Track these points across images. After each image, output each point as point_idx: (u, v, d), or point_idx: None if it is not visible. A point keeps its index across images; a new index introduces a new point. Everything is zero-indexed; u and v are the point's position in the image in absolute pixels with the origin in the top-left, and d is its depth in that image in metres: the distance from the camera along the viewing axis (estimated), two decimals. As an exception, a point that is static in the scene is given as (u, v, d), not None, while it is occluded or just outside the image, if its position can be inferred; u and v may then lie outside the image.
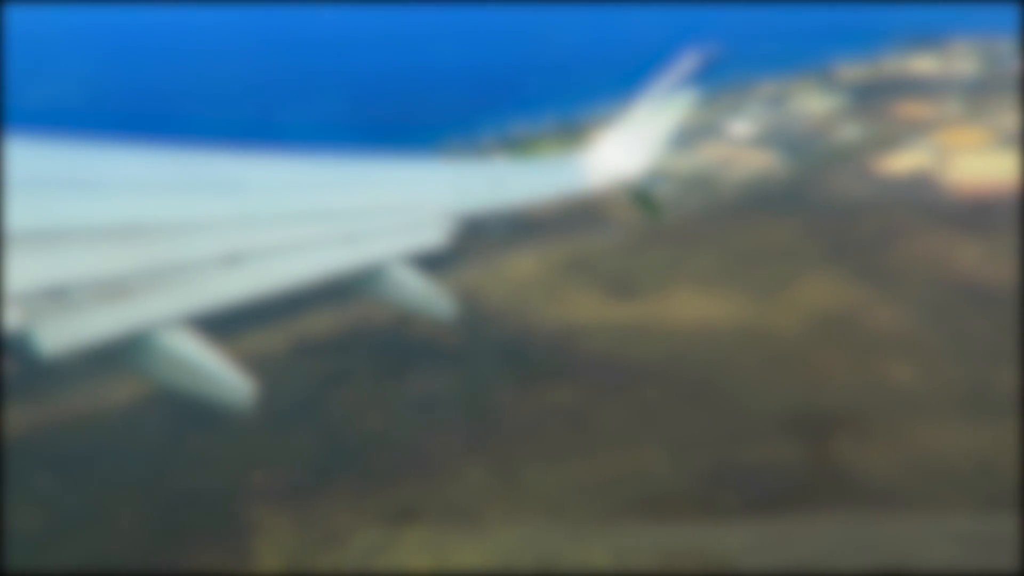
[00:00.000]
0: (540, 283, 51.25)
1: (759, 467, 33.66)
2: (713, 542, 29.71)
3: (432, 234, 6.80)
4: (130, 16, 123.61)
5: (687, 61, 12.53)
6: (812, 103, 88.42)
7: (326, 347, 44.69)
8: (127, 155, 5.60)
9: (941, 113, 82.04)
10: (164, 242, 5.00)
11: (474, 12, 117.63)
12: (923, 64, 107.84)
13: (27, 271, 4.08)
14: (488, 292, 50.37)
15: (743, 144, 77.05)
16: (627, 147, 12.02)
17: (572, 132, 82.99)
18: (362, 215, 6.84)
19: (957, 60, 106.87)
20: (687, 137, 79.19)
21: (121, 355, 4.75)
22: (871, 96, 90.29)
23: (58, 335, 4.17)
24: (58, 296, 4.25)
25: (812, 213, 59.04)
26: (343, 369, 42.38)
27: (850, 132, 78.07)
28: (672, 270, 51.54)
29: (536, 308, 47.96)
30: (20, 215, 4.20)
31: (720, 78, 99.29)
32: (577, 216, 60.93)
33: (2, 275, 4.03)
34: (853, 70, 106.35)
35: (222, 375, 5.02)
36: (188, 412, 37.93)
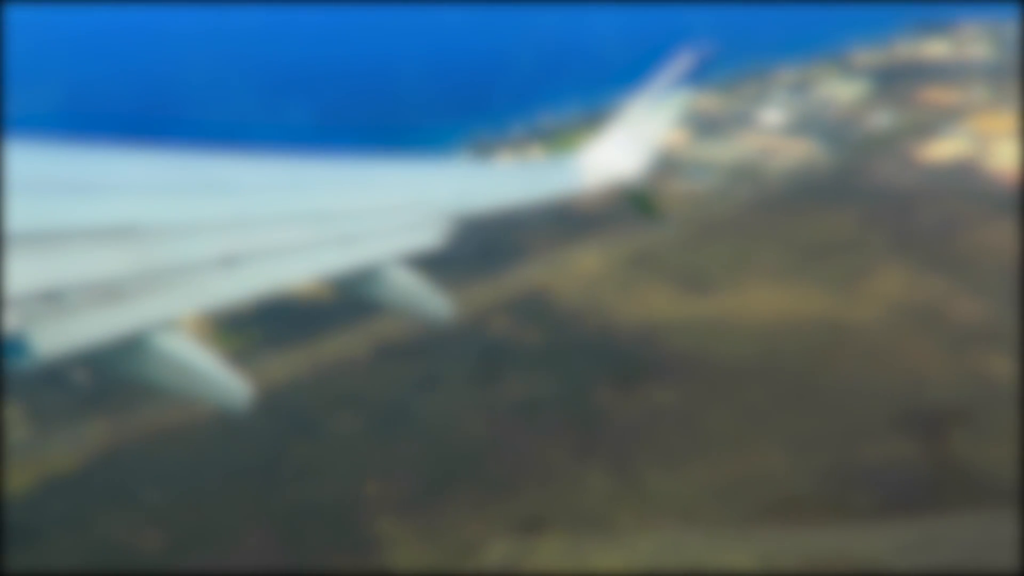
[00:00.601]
0: (609, 279, 50.78)
1: (881, 466, 33.56)
2: (855, 544, 29.56)
3: (428, 235, 7.08)
4: (130, 16, 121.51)
5: (681, 61, 12.33)
6: (837, 90, 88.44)
7: (407, 351, 43.92)
8: (123, 157, 5.58)
9: (967, 98, 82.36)
10: (160, 244, 4.95)
11: (496, 10, 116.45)
12: (936, 49, 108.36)
13: (22, 274, 4.06)
14: (559, 289, 49.86)
15: (776, 132, 76.92)
16: (623, 147, 11.79)
17: (601, 122, 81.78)
18: (358, 216, 6.85)
19: (969, 44, 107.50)
20: (718, 126, 78.99)
21: (117, 358, 4.70)
22: (893, 81, 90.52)
23: (53, 338, 4.15)
24: (53, 299, 4.22)
25: (866, 203, 59.00)
26: (431, 373, 41.70)
27: (882, 119, 78.18)
28: (740, 263, 51.27)
29: (612, 305, 47.50)
30: (15, 217, 4.18)
31: (737, 66, 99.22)
32: (627, 210, 60.41)
33: (2, 277, 4.01)
34: (868, 55, 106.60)
35: (220, 378, 5.01)
36: (283, 420, 37.15)
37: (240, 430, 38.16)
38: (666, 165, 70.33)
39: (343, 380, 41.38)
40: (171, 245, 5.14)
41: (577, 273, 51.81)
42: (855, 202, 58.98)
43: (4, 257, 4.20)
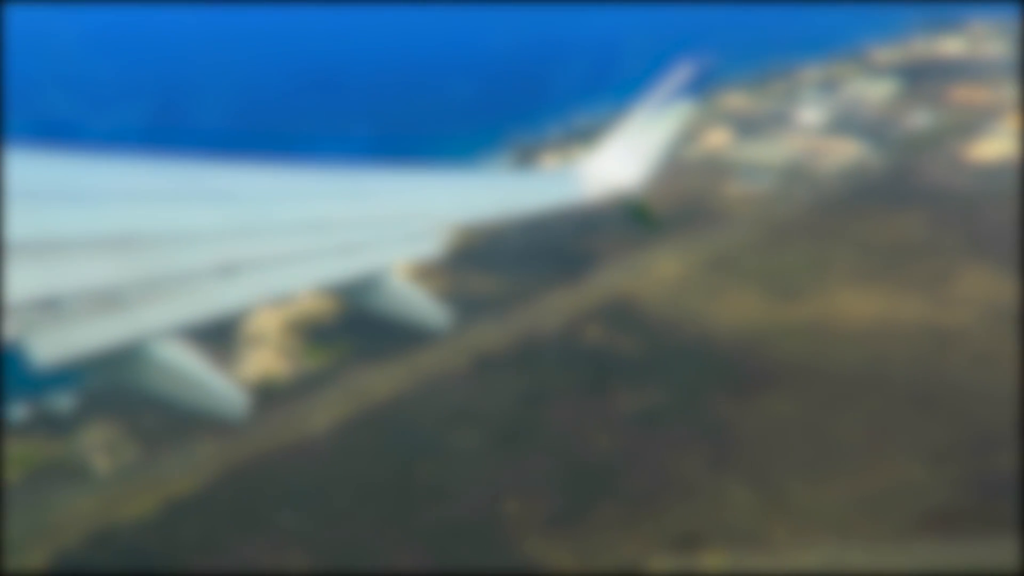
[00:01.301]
0: (692, 284, 50.50)
1: (1019, 474, 33.57)
2: (1017, 555, 29.51)
3: (428, 245, 7.13)
4: (130, 16, 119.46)
5: (681, 73, 12.50)
6: (866, 88, 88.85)
7: (505, 363, 43.37)
8: (123, 165, 5.64)
9: (997, 97, 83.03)
10: (159, 252, 5.00)
11: (523, 11, 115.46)
12: (952, 46, 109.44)
13: (21, 281, 4.09)
14: (644, 296, 49.47)
15: (816, 132, 77.09)
16: (623, 158, 11.98)
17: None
18: (358, 225, 6.91)
19: (983, 42, 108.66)
20: (757, 126, 79.03)
21: (115, 366, 4.76)
22: (920, 80, 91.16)
23: (51, 345, 4.16)
24: (52, 307, 4.27)
25: (928, 204, 59.28)
26: (537, 386, 41.13)
27: (920, 119, 78.62)
28: (820, 267, 51.25)
29: (703, 311, 47.21)
30: (15, 226, 4.22)
31: (757, 65, 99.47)
32: (690, 213, 60.34)
33: (3, 285, 4.04)
34: (886, 53, 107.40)
35: (215, 386, 5.06)
36: (399, 437, 36.42)
37: (356, 446, 37.46)
38: (712, 166, 70.34)
39: (449, 395, 40.67)
40: (170, 253, 5.12)
41: (658, 278, 51.47)
42: (917, 204, 59.22)
43: (3, 265, 4.15)
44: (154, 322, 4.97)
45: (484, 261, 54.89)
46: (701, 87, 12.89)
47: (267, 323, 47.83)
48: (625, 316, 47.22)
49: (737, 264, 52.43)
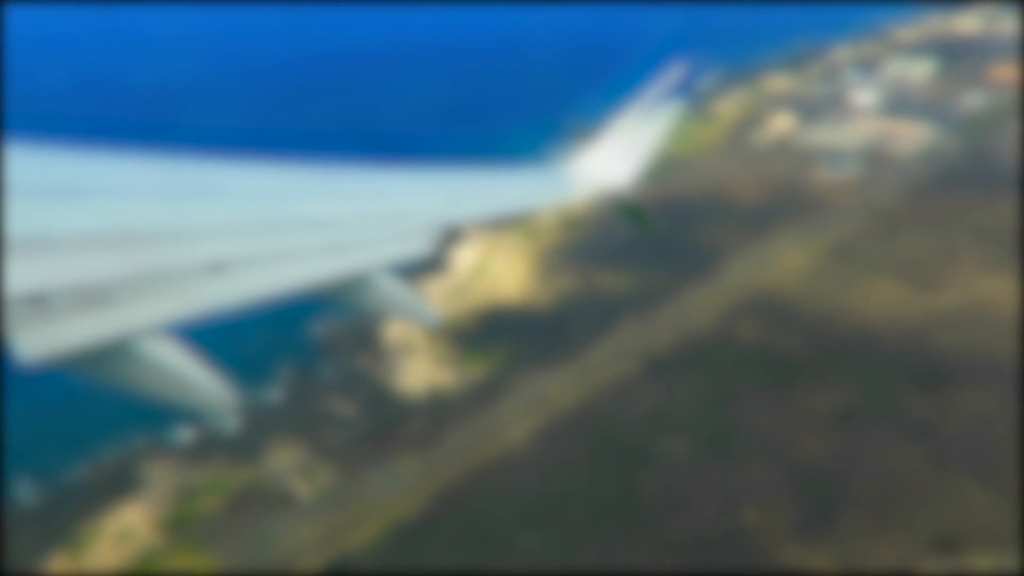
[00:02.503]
0: (825, 274, 50.38)
1: None
2: None
3: (417, 244, 7.08)
4: (130, 16, 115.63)
5: (673, 73, 12.55)
6: (906, 68, 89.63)
7: (675, 364, 42.77)
8: (113, 160, 5.70)
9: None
10: (147, 249, 5.06)
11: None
12: (967, 24, 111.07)
13: (8, 277, 4.21)
14: (782, 288, 49.21)
15: (873, 114, 77.62)
16: (613, 157, 12.04)
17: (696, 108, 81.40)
18: (347, 224, 6.97)
19: (996, 20, 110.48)
20: (814, 109, 79.25)
21: (101, 363, 4.79)
22: (953, 58, 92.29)
23: (37, 342, 4.23)
24: (38, 303, 4.31)
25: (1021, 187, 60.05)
26: (721, 388, 40.60)
27: (974, 100, 79.57)
28: (948, 254, 51.57)
29: (849, 303, 47.15)
30: (3, 221, 4.38)
31: (780, 45, 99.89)
32: (788, 201, 60.28)
33: (2, 280, 4.16)
34: (906, 32, 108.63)
35: (204, 384, 5.14)
36: (605, 447, 35.64)
37: (565, 459, 36.56)
38: (786, 152, 70.38)
39: (636, 399, 39.94)
40: (158, 250, 5.16)
41: (788, 269, 51.25)
42: (1010, 187, 59.87)
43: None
44: (142, 319, 4.89)
45: (598, 256, 54.14)
46: (692, 87, 12.89)
47: (407, 331, 46.37)
48: (774, 311, 46.90)
49: (862, 253, 52.47)
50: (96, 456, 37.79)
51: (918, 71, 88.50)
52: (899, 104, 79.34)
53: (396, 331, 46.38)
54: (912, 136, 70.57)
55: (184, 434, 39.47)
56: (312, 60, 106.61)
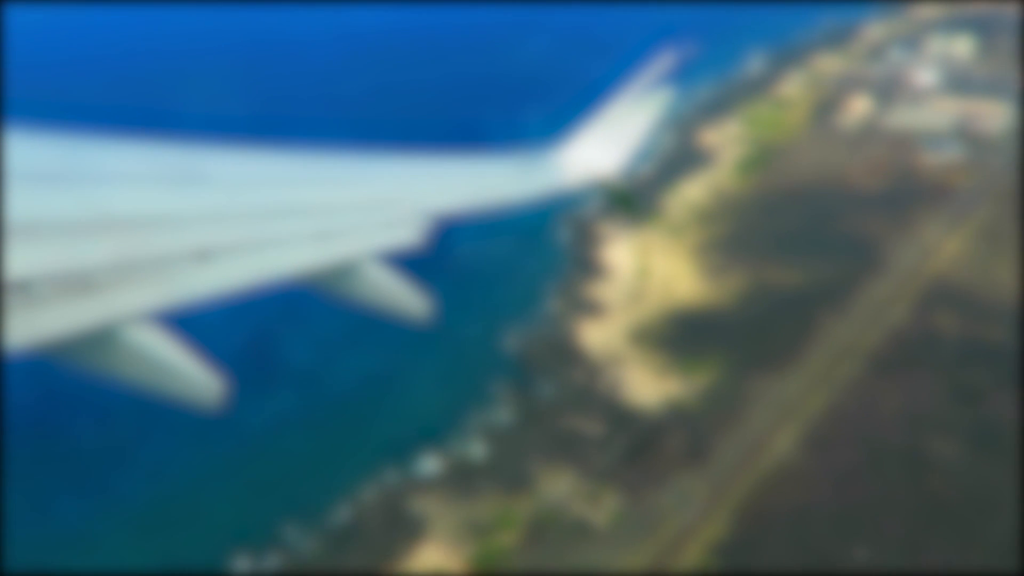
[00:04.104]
0: (992, 261, 50.99)
1: None
2: None
3: (407, 232, 7.26)
4: (130, 15, 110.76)
5: (663, 60, 12.79)
6: (949, 45, 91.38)
7: (898, 361, 42.76)
8: (99, 146, 5.83)
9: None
10: (134, 235, 5.14)
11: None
12: (977, 3, 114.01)
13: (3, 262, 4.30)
14: (956, 276, 49.77)
15: (935, 93, 79.06)
16: (603, 144, 12.19)
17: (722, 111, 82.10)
18: (337, 212, 7.07)
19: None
20: (880, 90, 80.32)
21: (86, 350, 4.85)
22: (986, 35, 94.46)
23: (21, 329, 4.27)
24: (22, 289, 4.36)
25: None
26: (956, 384, 40.77)
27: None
28: (1092, 233, 52.94)
29: (1027, 289, 48.03)
30: None
31: (804, 26, 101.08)
32: (909, 186, 61.01)
33: (1, 266, 4.25)
34: (926, 8, 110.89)
35: (190, 372, 5.23)
36: (870, 452, 35.43)
37: (843, 468, 36.28)
38: (875, 135, 71.21)
39: (879, 399, 39.92)
40: (145, 236, 5.17)
41: (951, 256, 51.88)
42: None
43: None
44: (127, 306, 4.85)
45: (753, 251, 53.88)
46: (681, 74, 12.92)
47: (607, 341, 45.39)
48: (960, 300, 47.39)
49: (1010, 237, 53.39)
50: (355, 495, 35.99)
51: (960, 48, 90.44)
52: (957, 82, 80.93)
53: (596, 341, 45.35)
54: (995, 115, 72.13)
55: (431, 464, 37.88)
56: (299, 46, 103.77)
